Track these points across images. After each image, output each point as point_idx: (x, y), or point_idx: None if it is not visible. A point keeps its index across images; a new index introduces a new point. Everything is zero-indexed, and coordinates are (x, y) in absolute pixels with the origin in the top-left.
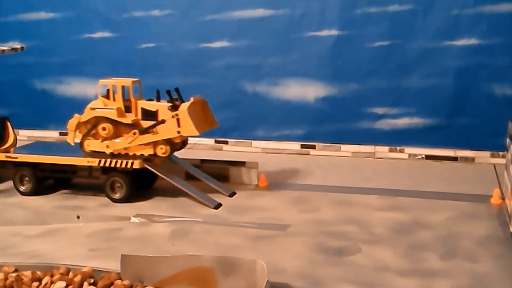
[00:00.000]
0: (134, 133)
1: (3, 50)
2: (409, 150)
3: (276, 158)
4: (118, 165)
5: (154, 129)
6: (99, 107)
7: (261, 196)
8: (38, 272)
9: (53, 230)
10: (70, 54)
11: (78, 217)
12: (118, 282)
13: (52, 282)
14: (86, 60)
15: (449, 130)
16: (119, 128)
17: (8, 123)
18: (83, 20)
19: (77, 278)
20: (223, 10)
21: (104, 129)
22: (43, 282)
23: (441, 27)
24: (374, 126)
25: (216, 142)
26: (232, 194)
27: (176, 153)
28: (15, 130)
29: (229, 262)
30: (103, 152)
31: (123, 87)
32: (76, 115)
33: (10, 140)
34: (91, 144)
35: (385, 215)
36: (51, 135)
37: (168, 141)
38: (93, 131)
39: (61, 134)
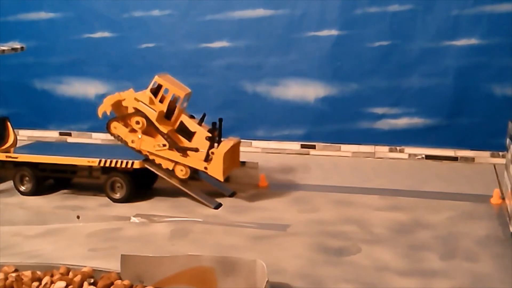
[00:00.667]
0: (164, 145)
1: (3, 50)
2: (409, 150)
3: (276, 158)
4: (118, 165)
5: (184, 151)
6: (143, 102)
7: (261, 196)
8: (38, 272)
9: (53, 230)
10: (70, 54)
11: (78, 217)
12: (118, 282)
13: (52, 282)
14: (86, 60)
15: (449, 130)
16: (151, 129)
17: (8, 123)
18: (83, 20)
19: (77, 278)
20: (223, 10)
21: (138, 122)
22: (43, 282)
23: (441, 27)
24: (374, 126)
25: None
26: (232, 194)
27: None
28: (15, 130)
29: (229, 262)
30: (125, 142)
31: (174, 95)
32: (118, 93)
33: (10, 140)
34: (118, 128)
35: (385, 215)
36: (51, 135)
37: (190, 166)
38: (127, 118)
39: (61, 134)
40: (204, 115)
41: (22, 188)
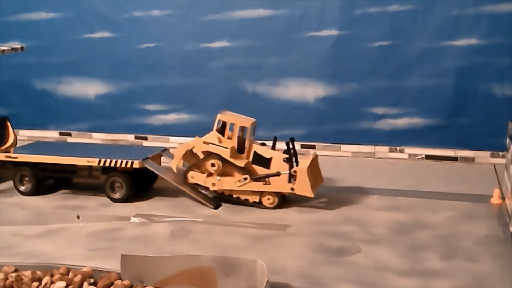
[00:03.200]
0: (246, 178)
1: (3, 50)
2: (409, 150)
3: None
4: (118, 165)
5: (266, 179)
6: (213, 143)
7: None
8: (38, 272)
9: (53, 230)
10: (70, 54)
11: (78, 217)
12: (118, 282)
13: (52, 282)
14: (86, 60)
15: (449, 130)
16: (227, 167)
17: (8, 123)
18: (83, 20)
19: (77, 278)
20: (223, 10)
21: (213, 165)
22: (43, 282)
23: (441, 27)
24: (374, 126)
25: None
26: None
27: None
28: (15, 130)
29: (229, 262)
30: (207, 188)
31: (242, 127)
32: (186, 143)
33: (10, 140)
34: (196, 177)
35: (385, 215)
36: (51, 135)
37: (277, 192)
38: (200, 164)
39: (61, 134)
40: (275, 139)
41: (22, 188)
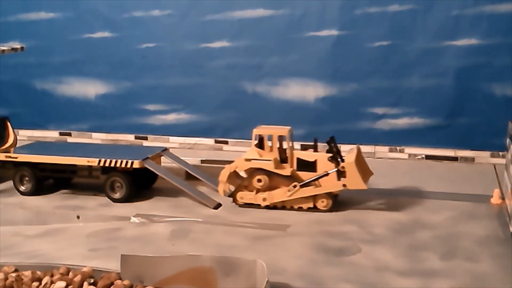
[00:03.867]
0: (295, 186)
1: (3, 50)
2: (409, 150)
3: None
4: (118, 165)
5: (316, 182)
6: (254, 158)
7: None
8: (38, 272)
9: (53, 230)
10: (70, 54)
11: (78, 217)
12: (118, 282)
13: (52, 282)
14: (86, 60)
15: (449, 130)
16: (274, 180)
17: (8, 123)
18: (83, 20)
19: (77, 278)
20: (223, 10)
21: (259, 180)
22: (43, 282)
23: (441, 27)
24: (374, 126)
25: (216, 142)
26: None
27: (175, 153)
28: (15, 130)
29: (229, 262)
30: (258, 204)
31: (279, 136)
32: (228, 166)
33: (10, 140)
34: (245, 196)
35: (385, 215)
36: (51, 135)
37: (329, 194)
38: (246, 183)
39: (61, 134)
40: (315, 141)
41: (22, 188)
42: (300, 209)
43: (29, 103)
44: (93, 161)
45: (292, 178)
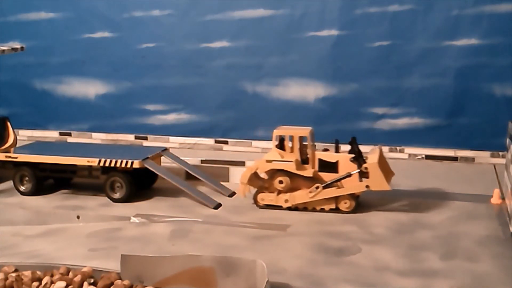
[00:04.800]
0: (317, 187)
1: (3, 50)
2: (409, 150)
3: None
4: (118, 165)
5: (338, 183)
6: (276, 159)
7: None
8: (38, 272)
9: (53, 230)
10: (70, 54)
11: (78, 217)
12: (118, 282)
13: (52, 282)
14: (86, 60)
15: (449, 130)
16: (296, 181)
17: (8, 123)
18: (83, 20)
19: (77, 278)
20: (223, 10)
21: (281, 182)
22: (43, 282)
23: (441, 27)
24: (374, 126)
25: (216, 142)
26: (232, 194)
27: (175, 153)
28: (15, 130)
29: (229, 262)
30: (279, 206)
31: (300, 137)
32: (249, 167)
33: (10, 140)
34: (266, 198)
35: (385, 215)
36: (51, 135)
37: (352, 195)
38: (267, 184)
39: (61, 134)
40: (337, 142)
41: (22, 188)
42: (322, 210)
43: (29, 103)
44: (93, 161)
45: (314, 179)
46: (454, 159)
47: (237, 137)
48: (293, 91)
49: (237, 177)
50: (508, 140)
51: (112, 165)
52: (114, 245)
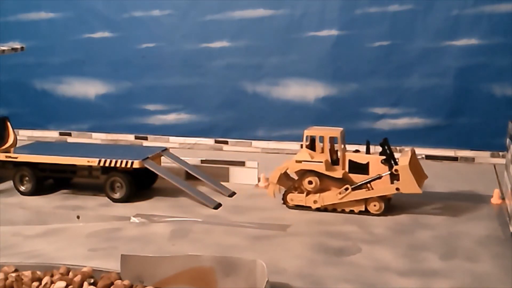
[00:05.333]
0: (346, 189)
1: (3, 50)
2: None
3: (276, 158)
4: (118, 165)
5: (368, 185)
6: (305, 160)
7: (261, 196)
8: (38, 272)
9: (53, 230)
10: (70, 54)
11: (78, 217)
12: (118, 282)
13: (52, 282)
14: (86, 60)
15: (449, 130)
16: (325, 182)
17: (8, 123)
18: (83, 20)
19: (77, 278)
20: (223, 10)
21: (310, 182)
22: (43, 282)
23: (441, 27)
24: (374, 126)
25: (216, 142)
26: (232, 194)
27: (175, 153)
28: (15, 130)
29: (229, 262)
30: (308, 207)
31: (331, 138)
32: (278, 167)
33: (10, 140)
34: (295, 198)
35: (385, 215)
36: (51, 135)
37: (381, 197)
38: (297, 185)
39: (61, 134)
40: (368, 143)
41: (22, 188)
42: (351, 212)
43: (29, 103)
44: (93, 161)
45: (343, 180)
46: (454, 159)
47: (237, 137)
48: (293, 91)
49: (237, 177)
50: (508, 140)
51: (112, 165)
52: (114, 245)
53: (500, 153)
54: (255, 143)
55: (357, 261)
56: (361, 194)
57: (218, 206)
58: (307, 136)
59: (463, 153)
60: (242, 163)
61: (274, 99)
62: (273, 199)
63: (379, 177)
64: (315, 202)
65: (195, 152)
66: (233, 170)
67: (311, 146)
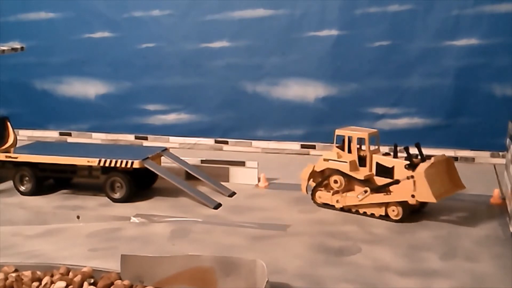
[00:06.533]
0: (365, 191)
1: (3, 50)
2: (409, 150)
3: (276, 158)
4: (118, 165)
5: (387, 189)
6: (332, 159)
7: (261, 196)
8: (38, 272)
9: (53, 230)
10: (70, 54)
11: (78, 217)
12: (118, 282)
13: (52, 282)
14: (86, 60)
15: (449, 130)
16: (351, 182)
17: (8, 123)
18: (83, 20)
19: (77, 278)
20: (223, 10)
21: (335, 181)
22: (43, 282)
23: (441, 27)
24: (374, 126)
25: (216, 142)
26: (232, 194)
27: (175, 153)
28: (15, 130)
29: (229, 262)
30: (333, 206)
31: (359, 139)
32: (310, 165)
33: (10, 140)
34: (322, 196)
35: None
36: (51, 135)
37: (402, 203)
38: (326, 183)
39: (61, 134)
40: (395, 146)
41: (22, 188)
42: (372, 215)
43: (29, 103)
44: (93, 161)
45: (367, 182)
46: (454, 159)
47: (237, 137)
48: (293, 91)
49: (237, 177)
50: (508, 140)
51: (112, 165)
52: (114, 245)
53: (500, 153)
54: (255, 143)
55: (357, 261)
56: (379, 198)
57: (218, 206)
58: (337, 136)
59: (463, 153)
60: (242, 163)
61: (274, 99)
62: (273, 199)
63: (397, 182)
64: (337, 201)
65: (195, 152)
66: (233, 170)
67: (343, 146)
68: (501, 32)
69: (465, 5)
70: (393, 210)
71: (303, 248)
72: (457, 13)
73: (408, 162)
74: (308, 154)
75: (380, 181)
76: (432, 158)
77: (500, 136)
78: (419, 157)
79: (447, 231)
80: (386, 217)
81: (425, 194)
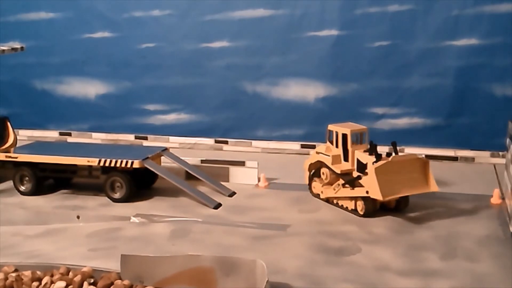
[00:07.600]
0: (338, 185)
1: (3, 50)
2: (409, 150)
3: (276, 158)
4: (118, 165)
5: (356, 183)
6: (321, 152)
7: (261, 196)
8: (38, 272)
9: (53, 230)
10: (70, 54)
11: (78, 217)
12: (118, 282)
13: (52, 282)
14: (86, 60)
15: (449, 130)
16: (334, 176)
17: (8, 123)
18: (83, 20)
19: (77, 278)
20: (223, 10)
21: (323, 173)
22: (43, 282)
23: (441, 27)
24: (374, 126)
25: (216, 142)
26: (232, 194)
27: (175, 153)
28: (15, 130)
29: (229, 262)
30: (318, 195)
31: (343, 134)
32: (309, 157)
33: (10, 140)
34: (316, 187)
35: (385, 215)
36: (51, 135)
37: (365, 198)
38: (316, 174)
39: (61, 134)
40: (371, 143)
41: (22, 188)
42: (346, 209)
43: (29, 103)
44: (93, 161)
45: (343, 176)
46: (454, 159)
47: (237, 137)
48: (293, 91)
49: (237, 177)
50: (508, 140)
51: (112, 165)
52: (114, 245)
53: (500, 153)
54: (255, 143)
55: (357, 261)
56: (345, 192)
57: (218, 206)
58: (330, 131)
59: (463, 153)
60: (242, 163)
61: (274, 99)
62: (273, 199)
63: (359, 178)
64: (322, 192)
65: (195, 152)
66: (233, 170)
67: (335, 142)
68: (501, 32)
69: (465, 5)
70: (359, 205)
71: (303, 248)
72: (457, 13)
73: (374, 160)
74: (308, 154)
75: (355, 175)
76: (391, 157)
77: (500, 136)
78: (393, 154)
79: (447, 231)
80: (355, 211)
81: (374, 191)
